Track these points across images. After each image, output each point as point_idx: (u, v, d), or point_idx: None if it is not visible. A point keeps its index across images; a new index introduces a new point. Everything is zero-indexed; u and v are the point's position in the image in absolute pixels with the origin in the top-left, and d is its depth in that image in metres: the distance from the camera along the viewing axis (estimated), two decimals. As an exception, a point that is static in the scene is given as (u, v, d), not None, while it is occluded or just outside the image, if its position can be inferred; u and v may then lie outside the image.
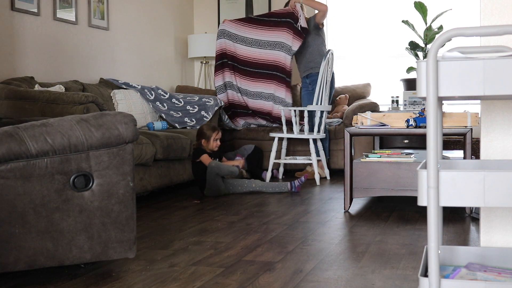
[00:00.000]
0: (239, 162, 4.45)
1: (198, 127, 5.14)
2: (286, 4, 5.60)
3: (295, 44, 5.43)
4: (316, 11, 5.40)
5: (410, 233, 2.90)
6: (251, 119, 5.82)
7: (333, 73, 5.31)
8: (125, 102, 4.92)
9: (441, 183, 1.38)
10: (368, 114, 3.76)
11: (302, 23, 5.36)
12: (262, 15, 5.71)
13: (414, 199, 3.80)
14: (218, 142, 4.47)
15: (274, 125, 5.77)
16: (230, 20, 5.74)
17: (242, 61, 5.69)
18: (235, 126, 5.72)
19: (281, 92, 5.52)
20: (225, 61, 5.72)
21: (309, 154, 5.35)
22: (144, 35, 6.01)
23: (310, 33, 5.40)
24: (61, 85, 4.28)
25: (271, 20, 5.59)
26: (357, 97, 6.18)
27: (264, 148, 5.56)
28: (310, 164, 5.40)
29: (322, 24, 5.40)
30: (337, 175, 5.46)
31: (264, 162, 5.50)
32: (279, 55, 5.54)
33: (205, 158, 4.32)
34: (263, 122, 5.79)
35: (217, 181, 4.22)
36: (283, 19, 5.51)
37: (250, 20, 5.71)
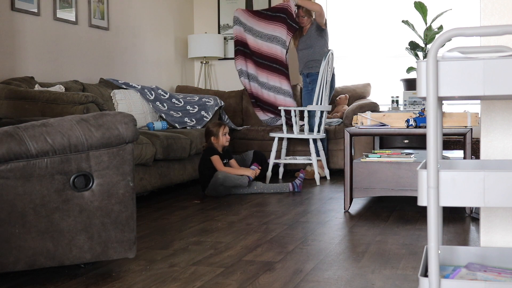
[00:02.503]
0: (252, 172, 4.34)
1: (198, 127, 5.14)
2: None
3: (288, 39, 5.54)
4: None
5: (410, 233, 2.90)
6: (259, 110, 5.88)
7: (333, 73, 5.31)
8: (125, 102, 4.92)
9: (441, 183, 1.38)
10: (368, 114, 3.76)
11: (293, 12, 5.47)
12: (266, 9, 5.83)
13: (414, 199, 3.80)
14: (228, 136, 4.47)
15: (277, 122, 5.77)
16: (241, 9, 5.83)
17: (251, 51, 5.77)
18: (235, 126, 5.72)
19: (285, 84, 5.60)
20: (238, 48, 5.80)
21: (309, 154, 5.35)
22: (144, 35, 6.01)
23: (313, 35, 5.39)
24: (61, 85, 4.28)
25: (267, 13, 5.70)
26: (357, 97, 6.18)
27: (264, 148, 5.56)
28: (310, 164, 5.40)
29: (325, 25, 5.39)
30: (337, 175, 5.46)
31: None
32: (276, 49, 5.61)
33: (216, 160, 4.30)
34: (271, 115, 5.80)
35: (220, 189, 4.21)
36: (277, 14, 5.61)
37: (255, 12, 5.81)
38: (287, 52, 5.58)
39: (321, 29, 5.38)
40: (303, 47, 5.44)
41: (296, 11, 5.47)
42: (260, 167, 4.49)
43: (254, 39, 5.73)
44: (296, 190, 4.36)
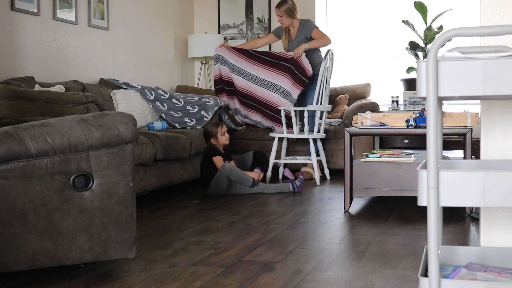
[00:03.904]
0: (257, 175, 4.34)
1: (198, 127, 5.13)
2: (280, 4, 5.35)
3: (295, 92, 5.20)
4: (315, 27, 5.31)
5: (410, 233, 2.90)
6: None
7: None
8: (125, 102, 4.92)
9: (441, 183, 1.38)
10: (368, 114, 3.76)
11: (307, 70, 5.15)
12: (260, 52, 5.49)
13: (414, 199, 3.80)
14: (227, 135, 4.46)
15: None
16: (226, 47, 5.55)
17: (240, 92, 5.52)
18: (235, 126, 5.71)
19: (281, 129, 5.36)
20: (221, 86, 5.59)
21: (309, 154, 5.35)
22: (144, 35, 6.01)
23: (303, 40, 5.28)
24: (61, 85, 4.28)
25: (269, 60, 5.36)
26: (357, 97, 6.18)
27: (264, 148, 5.55)
28: (305, 164, 5.39)
29: None
30: (337, 175, 5.46)
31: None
32: (273, 97, 5.33)
33: (218, 160, 4.29)
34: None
35: (224, 183, 4.20)
36: (281, 62, 5.28)
37: (247, 53, 5.47)
38: (294, 105, 5.24)
39: (310, 36, 5.33)
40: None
41: (311, 72, 5.13)
42: (262, 172, 4.49)
43: (246, 82, 5.43)
44: (297, 191, 4.36)
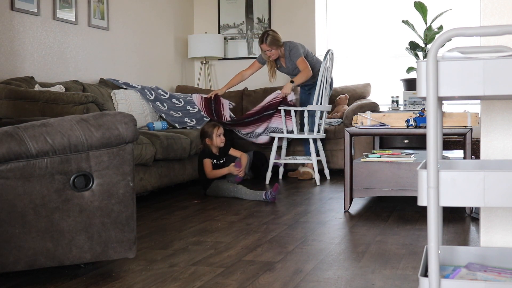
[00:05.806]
0: (234, 170, 4.25)
1: (198, 127, 5.13)
2: (264, 39, 5.10)
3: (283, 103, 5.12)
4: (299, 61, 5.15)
5: (410, 233, 2.90)
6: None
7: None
8: (125, 102, 4.92)
9: (441, 183, 1.38)
10: (368, 114, 3.76)
11: (288, 101, 5.11)
12: (239, 118, 5.31)
13: (414, 199, 3.80)
14: (222, 137, 4.38)
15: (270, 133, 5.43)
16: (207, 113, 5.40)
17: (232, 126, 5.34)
18: (237, 131, 5.68)
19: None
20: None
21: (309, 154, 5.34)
22: (144, 35, 6.01)
23: (294, 64, 5.18)
24: (61, 85, 4.28)
25: (251, 119, 5.21)
26: (357, 97, 6.17)
27: (264, 148, 5.55)
28: (302, 164, 5.39)
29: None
30: (337, 175, 5.46)
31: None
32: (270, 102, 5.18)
33: (206, 164, 4.28)
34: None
35: (229, 194, 4.19)
36: (264, 113, 5.18)
37: (226, 125, 5.17)
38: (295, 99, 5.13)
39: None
40: (291, 73, 5.27)
41: (294, 100, 5.12)
42: (241, 167, 4.32)
43: (236, 125, 5.27)
44: (270, 201, 4.00)
